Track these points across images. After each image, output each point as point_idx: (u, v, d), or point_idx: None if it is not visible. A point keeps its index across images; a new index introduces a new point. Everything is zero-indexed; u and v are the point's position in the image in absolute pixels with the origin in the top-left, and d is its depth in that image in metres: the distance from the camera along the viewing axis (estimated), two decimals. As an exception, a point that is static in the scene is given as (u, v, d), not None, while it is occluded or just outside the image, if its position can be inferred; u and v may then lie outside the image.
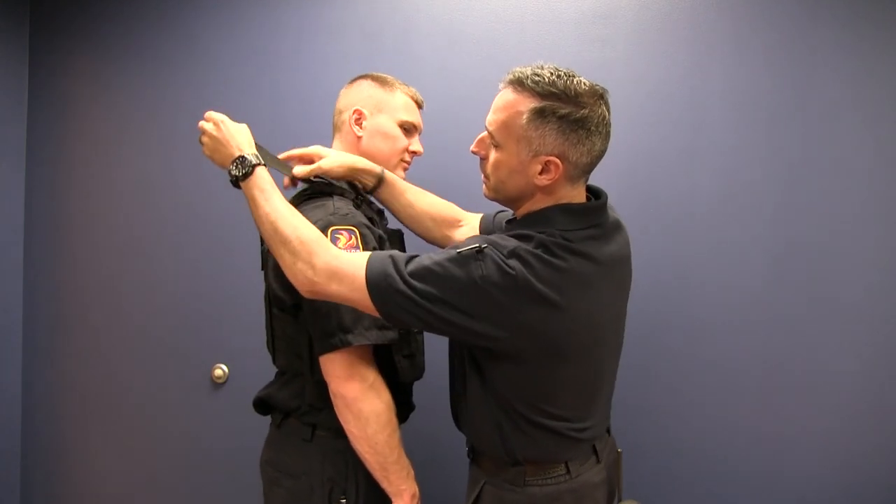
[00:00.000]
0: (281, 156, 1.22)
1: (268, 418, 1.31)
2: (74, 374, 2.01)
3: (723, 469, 1.58)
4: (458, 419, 1.16)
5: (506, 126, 0.99)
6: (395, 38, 1.75)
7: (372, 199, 1.31)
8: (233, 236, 1.86)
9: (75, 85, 2.00)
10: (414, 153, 1.33)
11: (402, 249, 1.33)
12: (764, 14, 1.56)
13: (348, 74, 1.79)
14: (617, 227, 1.09)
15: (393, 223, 1.36)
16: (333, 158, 1.21)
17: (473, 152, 1.07)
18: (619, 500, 1.21)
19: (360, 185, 1.26)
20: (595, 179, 1.07)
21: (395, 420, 1.11)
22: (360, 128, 1.27)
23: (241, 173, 1.06)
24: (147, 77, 1.93)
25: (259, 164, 1.06)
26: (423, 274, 0.95)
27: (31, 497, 2.06)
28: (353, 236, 1.09)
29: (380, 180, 1.26)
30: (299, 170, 1.19)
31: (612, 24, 1.63)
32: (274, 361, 1.28)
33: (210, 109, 1.15)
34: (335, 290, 0.99)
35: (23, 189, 2.05)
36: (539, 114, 0.96)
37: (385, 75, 1.31)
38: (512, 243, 0.96)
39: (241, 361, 1.87)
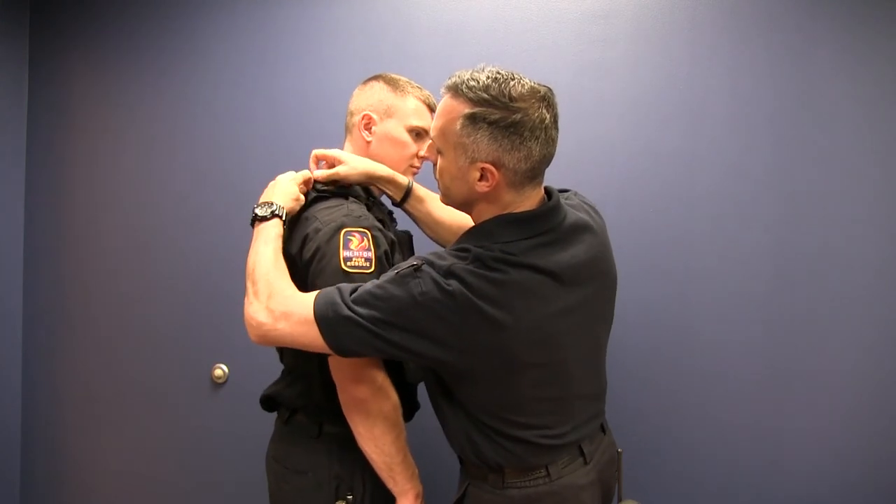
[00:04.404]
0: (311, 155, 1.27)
1: (269, 417, 1.31)
2: (74, 373, 2.01)
3: (723, 469, 1.58)
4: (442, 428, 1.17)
5: (443, 133, 1.00)
6: (396, 38, 1.75)
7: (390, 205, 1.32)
8: (233, 236, 1.85)
9: (75, 85, 2.00)
10: (424, 158, 1.31)
11: (412, 251, 1.34)
12: (764, 14, 1.56)
13: (348, 74, 1.79)
14: (581, 228, 1.06)
15: (402, 224, 1.37)
16: (351, 166, 1.22)
17: (424, 157, 1.08)
18: (620, 501, 1.20)
19: (385, 195, 1.28)
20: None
21: (401, 421, 1.12)
22: (370, 133, 1.26)
23: (261, 213, 1.13)
24: (147, 77, 1.93)
25: (278, 217, 1.13)
26: (366, 298, 0.96)
27: (31, 496, 2.06)
28: (364, 238, 1.10)
29: (407, 192, 1.28)
30: (319, 173, 1.22)
31: (612, 24, 1.63)
32: (281, 360, 1.29)
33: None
34: (283, 328, 1.01)
35: (23, 189, 2.05)
36: (471, 120, 0.95)
37: (398, 77, 1.29)
38: (448, 261, 0.96)
39: (241, 361, 1.87)
